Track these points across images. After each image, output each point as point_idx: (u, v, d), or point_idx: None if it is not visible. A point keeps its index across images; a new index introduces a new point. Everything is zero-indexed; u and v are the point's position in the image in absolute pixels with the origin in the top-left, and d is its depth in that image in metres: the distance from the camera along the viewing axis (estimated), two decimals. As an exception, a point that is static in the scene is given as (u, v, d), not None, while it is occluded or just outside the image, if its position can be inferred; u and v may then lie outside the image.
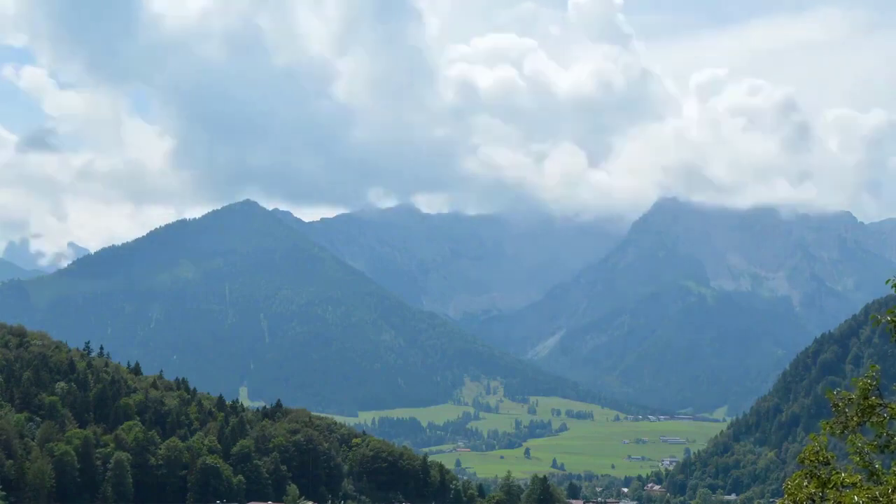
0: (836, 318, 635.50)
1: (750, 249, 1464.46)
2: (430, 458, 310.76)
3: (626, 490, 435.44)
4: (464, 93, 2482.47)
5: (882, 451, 28.38)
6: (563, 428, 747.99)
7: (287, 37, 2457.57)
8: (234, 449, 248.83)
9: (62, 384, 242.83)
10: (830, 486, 28.17)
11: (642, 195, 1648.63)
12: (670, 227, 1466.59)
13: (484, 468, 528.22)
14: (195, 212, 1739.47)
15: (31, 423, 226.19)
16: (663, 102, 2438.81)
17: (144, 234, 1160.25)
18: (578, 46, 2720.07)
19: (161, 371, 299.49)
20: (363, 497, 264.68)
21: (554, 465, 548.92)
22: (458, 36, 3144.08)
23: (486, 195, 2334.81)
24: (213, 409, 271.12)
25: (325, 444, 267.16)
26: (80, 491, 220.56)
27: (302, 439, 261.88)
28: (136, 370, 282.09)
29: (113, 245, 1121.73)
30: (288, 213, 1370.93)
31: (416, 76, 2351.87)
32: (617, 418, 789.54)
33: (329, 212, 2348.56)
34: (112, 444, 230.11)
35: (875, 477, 28.25)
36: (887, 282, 29.13)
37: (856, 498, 26.71)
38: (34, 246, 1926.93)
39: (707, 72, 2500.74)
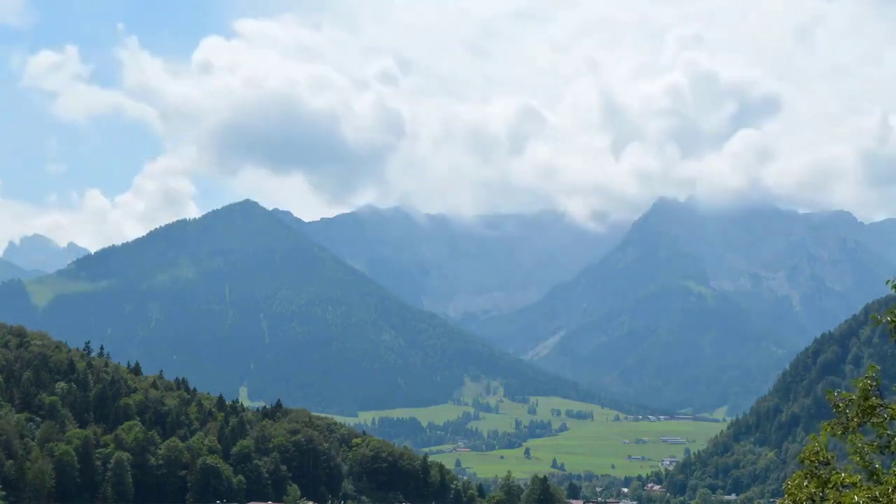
0: (836, 318, 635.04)
1: (750, 249, 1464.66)
2: (430, 458, 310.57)
3: (626, 490, 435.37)
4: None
5: (882, 452, 28.35)
6: (563, 428, 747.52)
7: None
8: (234, 449, 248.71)
9: (62, 384, 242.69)
10: (830, 486, 28.15)
11: (643, 195, 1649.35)
12: (670, 227, 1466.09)
13: (484, 468, 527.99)
14: (195, 212, 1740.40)
15: (31, 423, 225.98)
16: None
17: (144, 234, 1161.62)
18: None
19: (161, 371, 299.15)
20: (363, 497, 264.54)
21: (554, 465, 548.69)
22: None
23: (487, 195, 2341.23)
24: (213, 409, 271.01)
25: (325, 444, 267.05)
26: (80, 491, 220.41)
27: (302, 439, 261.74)
28: (136, 370, 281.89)
29: (113, 245, 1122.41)
30: (288, 213, 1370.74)
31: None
32: (617, 418, 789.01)
33: (329, 212, 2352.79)
34: (112, 444, 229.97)
35: (875, 477, 28.23)
36: (887, 282, 29.07)
37: (856, 498, 26.68)
38: (34, 246, 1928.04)
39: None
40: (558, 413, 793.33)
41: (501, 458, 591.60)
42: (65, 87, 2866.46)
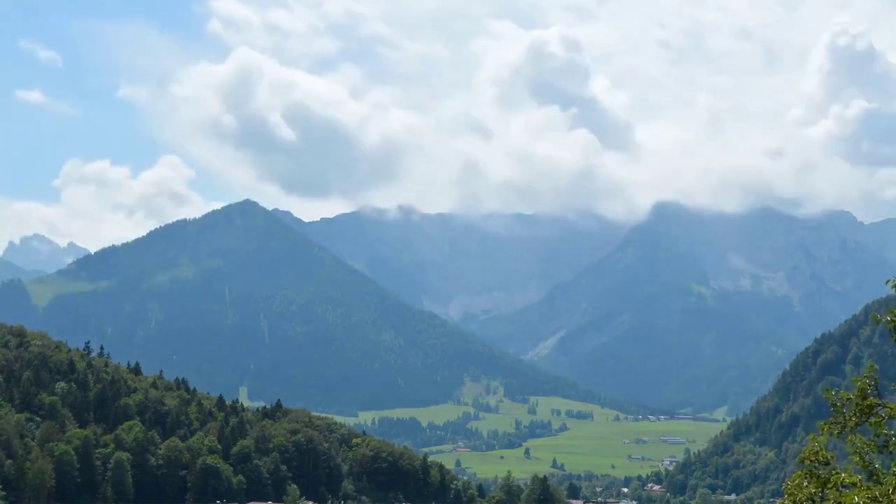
0: (836, 318, 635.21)
1: (750, 249, 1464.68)
2: (430, 458, 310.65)
3: (626, 490, 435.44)
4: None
5: (880, 451, 28.36)
6: (563, 428, 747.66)
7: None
8: (234, 449, 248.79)
9: (62, 384, 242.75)
10: (830, 486, 28.16)
11: (643, 195, 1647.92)
12: (670, 227, 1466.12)
13: (484, 468, 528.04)
14: (195, 212, 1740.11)
15: (31, 423, 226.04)
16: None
17: (144, 234, 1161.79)
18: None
19: (161, 371, 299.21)
20: (363, 497, 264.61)
21: (554, 465, 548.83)
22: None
23: (487, 195, 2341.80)
24: (213, 409, 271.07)
25: (325, 444, 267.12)
26: (80, 491, 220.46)
27: (302, 439, 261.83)
28: (136, 370, 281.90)
29: (113, 245, 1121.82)
30: (288, 213, 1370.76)
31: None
32: (617, 418, 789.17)
33: (329, 212, 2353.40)
34: (112, 444, 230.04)
35: (875, 477, 28.23)
36: (888, 282, 29.07)
37: (856, 498, 26.67)
38: (34, 246, 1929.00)
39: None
40: (558, 413, 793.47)
41: (501, 458, 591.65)
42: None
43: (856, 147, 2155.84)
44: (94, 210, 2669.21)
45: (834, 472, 28.42)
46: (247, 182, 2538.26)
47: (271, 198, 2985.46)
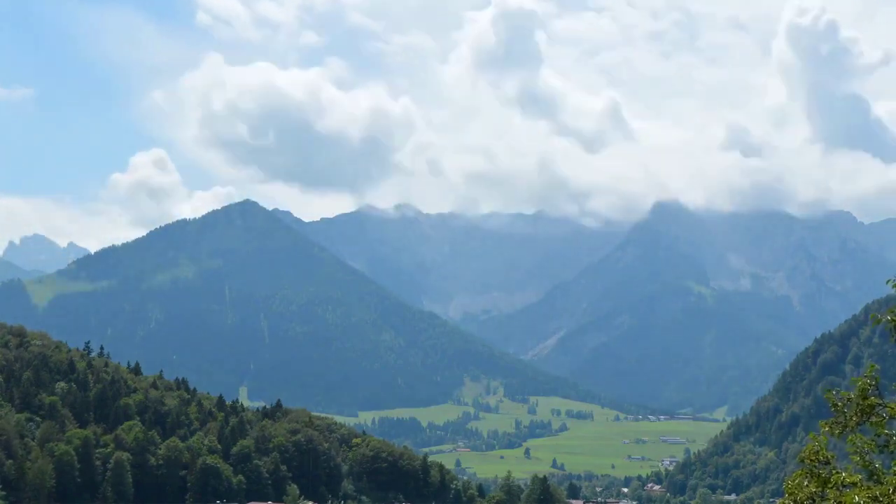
0: (836, 318, 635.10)
1: (750, 249, 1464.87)
2: (430, 458, 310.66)
3: (626, 490, 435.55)
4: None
5: (881, 451, 28.39)
6: (563, 428, 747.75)
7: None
8: (234, 449, 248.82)
9: (62, 384, 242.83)
10: (831, 485, 28.18)
11: (643, 195, 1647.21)
12: (670, 227, 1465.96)
13: (484, 468, 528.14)
14: (195, 212, 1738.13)
15: (31, 423, 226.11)
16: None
17: (144, 234, 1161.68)
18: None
19: (161, 371, 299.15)
20: (363, 497, 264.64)
21: (554, 465, 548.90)
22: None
23: (487, 195, 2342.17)
24: (213, 409, 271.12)
25: (325, 444, 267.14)
26: (80, 491, 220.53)
27: (302, 439, 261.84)
28: (136, 370, 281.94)
29: (113, 245, 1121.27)
30: (288, 213, 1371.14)
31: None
32: (617, 418, 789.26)
33: (329, 212, 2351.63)
34: (112, 444, 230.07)
35: (875, 477, 28.26)
36: (888, 282, 29.09)
37: (856, 498, 26.69)
38: (34, 246, 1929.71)
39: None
40: (558, 413, 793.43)
41: (501, 458, 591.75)
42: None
43: (854, 142, 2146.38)
44: (89, 210, 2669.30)
45: (834, 471, 28.45)
46: (244, 181, 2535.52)
47: (271, 198, 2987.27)
